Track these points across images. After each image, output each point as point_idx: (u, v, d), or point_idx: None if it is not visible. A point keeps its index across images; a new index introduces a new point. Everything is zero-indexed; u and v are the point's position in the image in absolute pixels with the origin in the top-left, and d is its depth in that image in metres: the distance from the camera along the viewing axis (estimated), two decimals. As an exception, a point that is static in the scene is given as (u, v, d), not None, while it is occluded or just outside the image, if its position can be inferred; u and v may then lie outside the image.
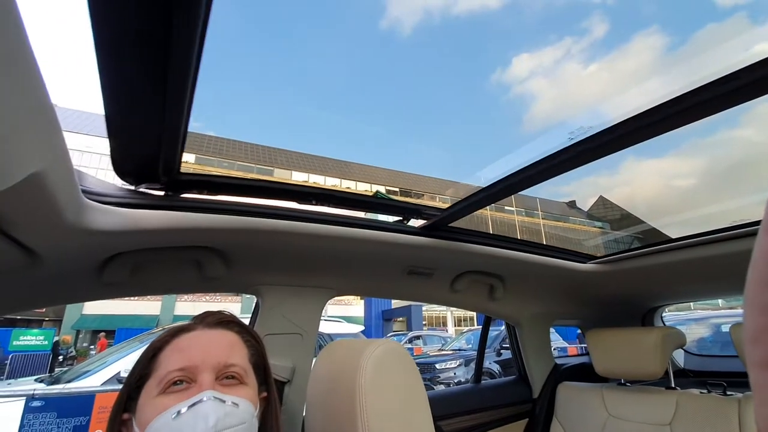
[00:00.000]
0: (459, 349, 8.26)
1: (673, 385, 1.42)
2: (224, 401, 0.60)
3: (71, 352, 13.94)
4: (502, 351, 7.14)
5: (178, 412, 0.57)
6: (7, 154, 0.39)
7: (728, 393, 1.29)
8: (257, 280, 1.11)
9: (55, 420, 2.19)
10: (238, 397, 0.63)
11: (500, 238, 1.29)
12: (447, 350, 8.68)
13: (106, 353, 3.75)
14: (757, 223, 1.12)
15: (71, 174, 0.56)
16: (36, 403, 2.17)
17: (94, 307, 18.94)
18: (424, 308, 18.40)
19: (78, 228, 0.65)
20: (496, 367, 6.99)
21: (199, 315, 0.74)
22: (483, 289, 1.50)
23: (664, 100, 0.68)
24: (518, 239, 1.35)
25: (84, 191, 0.66)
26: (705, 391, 1.34)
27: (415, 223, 1.17)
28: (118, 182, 0.78)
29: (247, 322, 1.17)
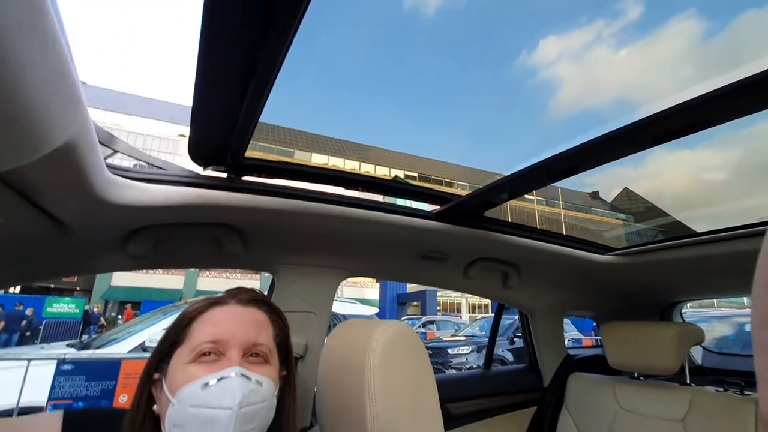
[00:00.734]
0: (472, 336, 8.29)
1: (688, 382, 1.39)
2: (250, 379, 0.63)
3: (101, 321, 14.65)
4: (515, 339, 7.14)
5: (207, 384, 0.60)
6: (39, 125, 0.41)
7: (746, 393, 1.26)
8: (273, 259, 1.14)
9: (84, 383, 2.32)
10: (262, 376, 0.65)
11: (515, 225, 1.28)
12: (460, 336, 8.73)
13: (132, 323, 3.92)
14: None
15: (96, 148, 0.58)
16: (66, 367, 2.30)
17: (122, 279, 19.77)
18: (438, 293, 18.46)
19: (103, 201, 0.68)
20: (508, 355, 7.01)
21: (233, 290, 0.76)
22: (497, 277, 1.50)
23: (703, 92, 0.65)
24: (533, 228, 1.33)
25: (109, 166, 0.69)
26: (722, 389, 1.31)
27: (431, 208, 1.18)
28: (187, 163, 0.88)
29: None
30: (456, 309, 22.71)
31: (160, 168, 0.84)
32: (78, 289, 21.73)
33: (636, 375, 1.50)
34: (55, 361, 2.29)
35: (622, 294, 1.71)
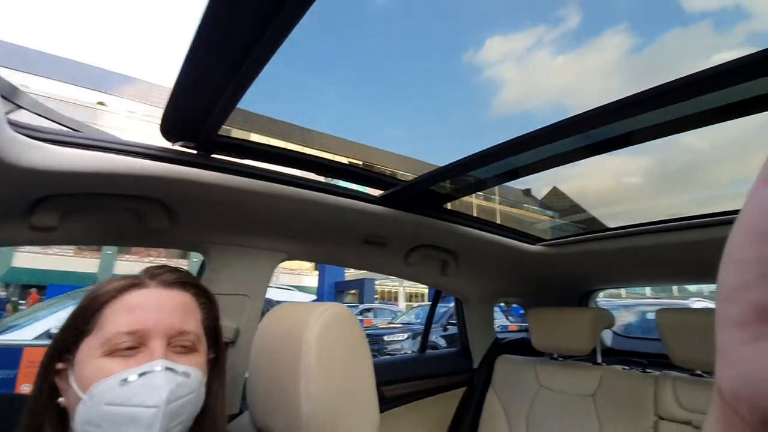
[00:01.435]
0: (408, 323, 8.52)
1: (599, 361, 1.54)
2: (176, 371, 0.56)
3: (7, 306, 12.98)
4: (448, 327, 7.46)
5: (126, 380, 0.52)
6: None
7: (647, 371, 1.42)
8: (204, 238, 1.06)
9: (-21, 371, 2.05)
10: (189, 367, 0.59)
11: (455, 213, 1.31)
12: (396, 323, 8.94)
13: (37, 308, 3.54)
14: (691, 218, 1.21)
15: None
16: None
17: (26, 260, 17.59)
18: (376, 282, 18.72)
19: (3, 162, 0.58)
20: (441, 342, 7.30)
21: (152, 269, 0.66)
22: (436, 264, 1.53)
23: (620, 97, 0.71)
24: (473, 216, 1.37)
25: (12, 123, 0.59)
26: (627, 368, 1.46)
27: (375, 192, 1.16)
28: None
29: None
30: (393, 297, 23.19)
31: (75, 130, 0.74)
32: (-30, 270, 19.01)
33: (556, 356, 1.62)
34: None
35: (548, 282, 1.84)
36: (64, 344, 0.57)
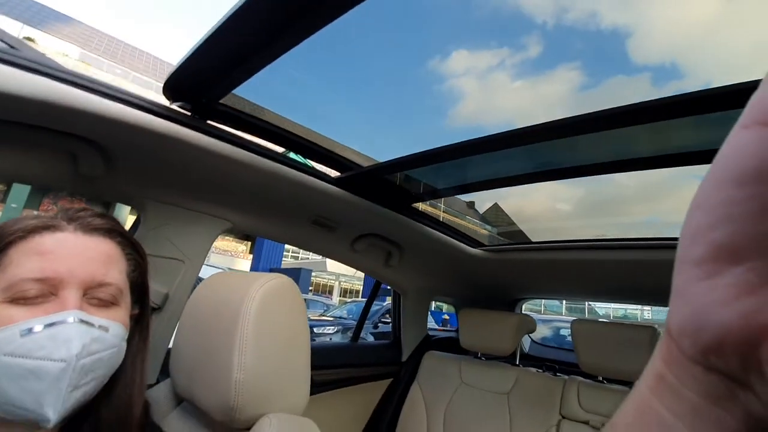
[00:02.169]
0: (339, 317, 8.51)
1: (517, 363, 1.65)
2: (92, 324, 0.50)
3: None
4: (379, 325, 7.56)
5: (30, 330, 0.46)
6: None
7: (557, 374, 1.54)
8: (142, 192, 0.98)
9: None
10: (108, 320, 0.53)
11: (407, 207, 1.34)
12: (328, 317, 8.88)
13: None
14: (613, 239, 1.34)
15: None
16: None
17: None
18: (313, 274, 18.48)
19: None
20: (371, 338, 7.38)
21: (72, 211, 0.58)
22: (380, 255, 1.55)
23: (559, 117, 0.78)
24: (422, 212, 1.41)
25: None
26: (541, 371, 1.59)
27: (332, 174, 1.16)
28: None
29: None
30: (328, 291, 23.03)
31: (12, 47, 0.65)
32: None
33: (480, 355, 1.71)
34: None
35: (482, 285, 1.94)
36: None
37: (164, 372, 1.06)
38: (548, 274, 1.66)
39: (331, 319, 8.31)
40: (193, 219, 1.06)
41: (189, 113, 0.87)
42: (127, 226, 1.02)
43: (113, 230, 0.60)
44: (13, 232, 0.51)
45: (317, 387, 1.43)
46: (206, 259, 1.19)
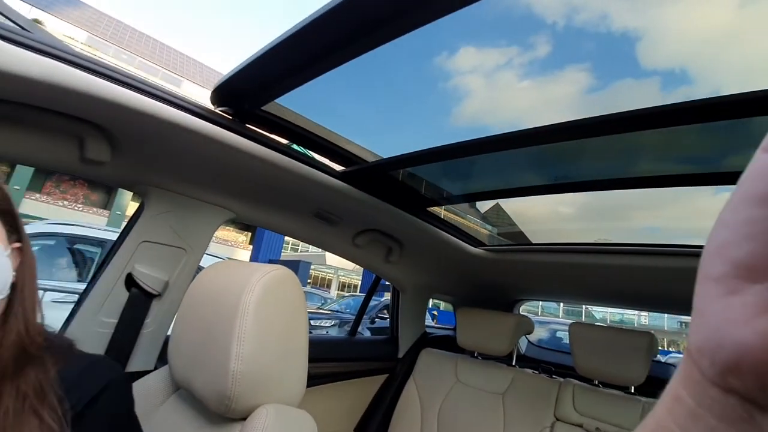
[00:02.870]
0: (336, 311, 8.53)
1: (513, 364, 1.65)
2: None
3: None
4: (376, 320, 7.58)
5: None
6: None
7: (553, 377, 1.55)
8: (147, 178, 0.99)
9: None
10: None
11: (409, 203, 1.33)
12: (325, 310, 8.90)
13: None
14: (613, 244, 1.34)
15: None
16: None
17: None
18: (312, 267, 18.51)
19: None
20: (367, 333, 7.41)
21: None
22: (381, 250, 1.56)
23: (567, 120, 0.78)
24: (426, 210, 1.40)
25: None
26: (537, 372, 1.59)
27: (337, 168, 1.15)
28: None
29: (114, 236, 1.03)
30: (327, 284, 23.09)
31: (25, 29, 0.65)
32: None
33: (476, 354, 1.72)
34: None
35: (481, 285, 1.94)
36: None
37: (162, 359, 1.07)
38: (548, 276, 1.66)
39: (329, 312, 8.33)
40: (196, 208, 1.07)
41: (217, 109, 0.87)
42: (129, 212, 1.02)
43: None
44: None
45: (313, 379, 1.44)
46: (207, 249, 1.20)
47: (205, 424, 0.71)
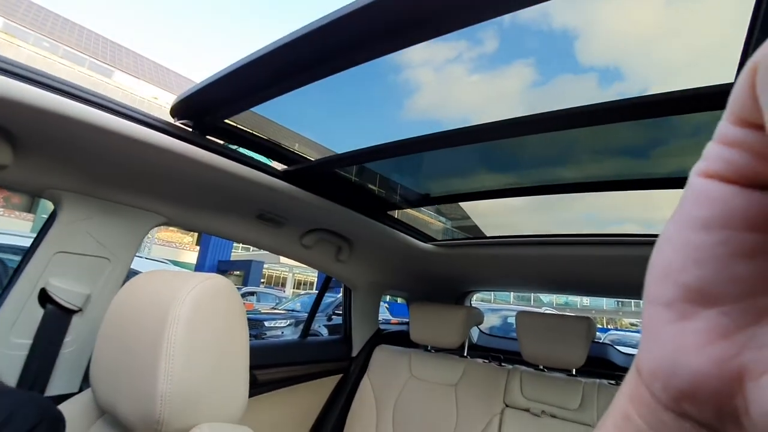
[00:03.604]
0: (292, 310, 8.36)
1: (465, 354, 1.69)
2: None
3: None
4: (333, 317, 7.51)
5: None
6: None
7: (502, 364, 1.60)
8: (58, 183, 0.88)
9: None
10: None
11: (357, 202, 1.31)
12: (280, 310, 8.70)
13: None
14: (554, 235, 1.40)
15: None
16: None
17: None
18: (265, 266, 18.00)
19: None
20: (324, 331, 7.32)
21: None
22: (330, 250, 1.52)
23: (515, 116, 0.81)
24: (373, 207, 1.38)
25: None
26: (487, 361, 1.63)
27: (278, 166, 1.10)
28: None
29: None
30: (281, 283, 22.56)
31: None
32: None
33: (430, 348, 1.73)
34: None
35: (433, 280, 1.96)
36: None
37: (87, 380, 0.97)
38: (496, 268, 1.71)
39: (283, 312, 8.15)
40: (120, 213, 0.97)
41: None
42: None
43: None
44: None
45: (263, 387, 1.38)
46: (148, 251, 1.10)
47: None
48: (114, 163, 0.87)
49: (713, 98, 0.59)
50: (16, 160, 0.78)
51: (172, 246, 18.28)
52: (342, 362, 1.74)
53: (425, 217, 1.71)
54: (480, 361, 1.63)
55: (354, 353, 1.78)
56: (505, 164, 1.22)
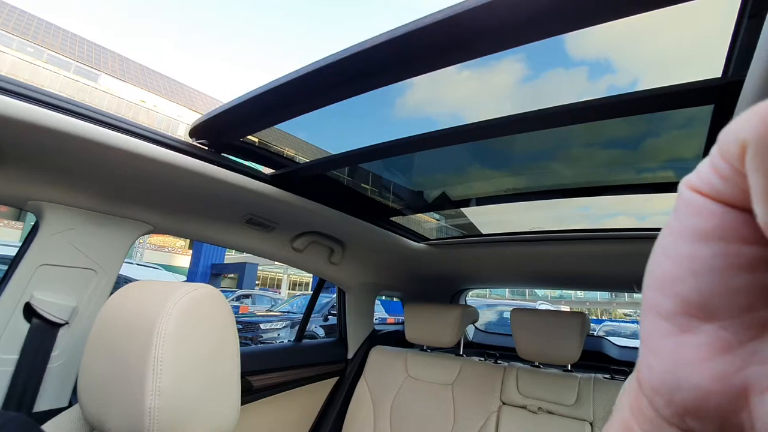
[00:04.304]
0: (288, 312, 8.32)
1: (461, 353, 1.68)
2: None
3: None
4: (329, 317, 7.49)
5: None
6: None
7: (498, 362, 1.59)
8: (38, 194, 0.86)
9: None
10: None
11: (348, 203, 1.29)
12: (275, 312, 8.66)
13: None
14: (548, 232, 1.40)
15: None
16: None
17: None
18: (259, 267, 17.89)
19: None
20: (320, 331, 7.30)
21: None
22: (323, 252, 1.50)
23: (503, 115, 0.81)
24: (365, 208, 1.37)
25: None
26: (482, 359, 1.63)
27: (266, 171, 1.08)
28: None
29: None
30: (276, 285, 22.45)
31: None
32: None
33: (425, 348, 1.73)
34: None
35: (427, 279, 1.95)
36: None
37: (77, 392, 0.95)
38: (488, 265, 1.71)
39: (279, 314, 8.12)
40: (105, 222, 0.95)
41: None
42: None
43: None
44: None
45: (256, 393, 1.36)
46: (140, 256, 1.08)
47: None
48: (97, 174, 0.85)
49: (703, 93, 0.59)
50: None
51: (165, 250, 18.11)
52: (338, 364, 1.73)
53: (419, 215, 1.69)
54: (476, 359, 1.62)
55: (350, 355, 1.77)
56: (501, 162, 1.22)
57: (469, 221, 1.68)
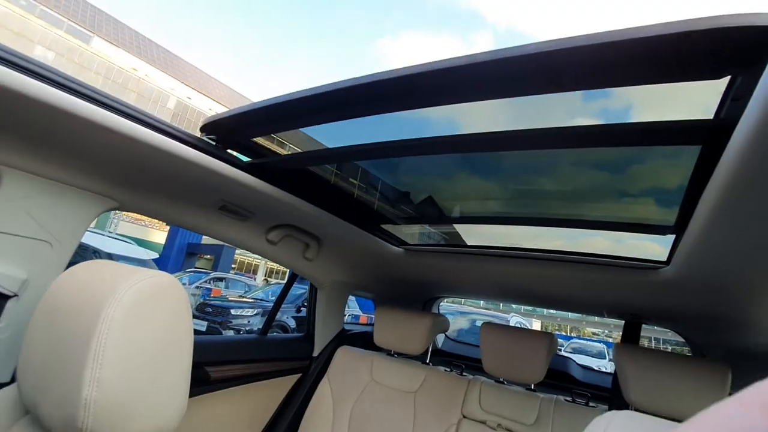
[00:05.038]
0: (261, 299, 8.21)
1: (428, 361, 1.67)
2: None
3: None
4: (302, 309, 7.41)
5: None
6: None
7: (464, 374, 1.59)
8: None
9: None
10: None
11: (327, 200, 1.26)
12: (248, 298, 8.54)
13: None
14: (521, 249, 1.39)
15: None
16: None
17: None
18: (237, 251, 17.62)
19: None
20: (292, 323, 7.21)
21: None
22: (298, 247, 1.47)
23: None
24: (345, 206, 1.34)
25: None
26: (448, 369, 1.62)
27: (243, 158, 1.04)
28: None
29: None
30: (253, 270, 22.16)
31: None
32: None
33: (393, 353, 1.71)
34: None
35: (401, 283, 1.93)
36: None
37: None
38: (464, 277, 1.69)
39: (252, 300, 8.00)
40: (65, 193, 0.89)
41: None
42: None
43: None
44: None
45: (212, 384, 1.32)
46: (114, 227, 1.02)
47: None
48: (60, 142, 0.80)
49: (693, 133, 0.58)
50: None
51: (141, 224, 17.65)
52: (302, 361, 1.70)
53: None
54: (441, 369, 1.61)
55: (315, 353, 1.74)
56: (488, 170, 1.21)
57: (453, 229, 1.67)
